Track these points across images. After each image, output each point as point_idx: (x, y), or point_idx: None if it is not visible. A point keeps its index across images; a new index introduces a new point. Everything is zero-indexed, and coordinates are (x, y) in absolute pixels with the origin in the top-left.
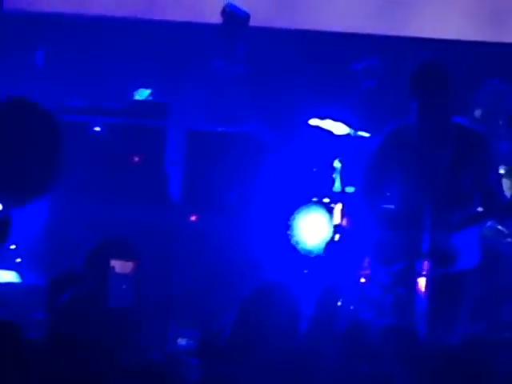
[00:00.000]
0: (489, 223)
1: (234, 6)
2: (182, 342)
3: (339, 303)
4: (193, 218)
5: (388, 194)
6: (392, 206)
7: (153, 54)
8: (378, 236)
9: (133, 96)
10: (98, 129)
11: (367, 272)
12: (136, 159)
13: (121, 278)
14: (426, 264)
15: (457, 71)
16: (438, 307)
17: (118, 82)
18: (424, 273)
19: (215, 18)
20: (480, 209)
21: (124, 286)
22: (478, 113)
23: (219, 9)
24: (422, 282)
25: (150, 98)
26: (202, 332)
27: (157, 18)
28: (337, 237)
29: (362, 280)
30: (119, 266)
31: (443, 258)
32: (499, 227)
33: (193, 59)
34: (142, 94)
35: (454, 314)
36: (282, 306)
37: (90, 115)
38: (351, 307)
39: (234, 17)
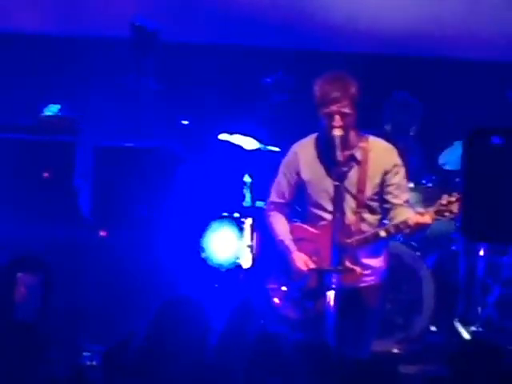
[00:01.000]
0: (397, 237)
1: (144, 20)
2: (87, 355)
3: (251, 318)
4: (102, 233)
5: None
6: None
7: (62, 69)
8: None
9: (42, 112)
10: None
11: (276, 286)
12: (45, 175)
13: (28, 292)
14: (334, 278)
15: (365, 84)
16: (346, 321)
17: (27, 98)
18: (333, 286)
19: (125, 32)
20: (387, 222)
21: (31, 300)
22: (388, 126)
23: (128, 23)
24: (330, 295)
25: (60, 114)
26: (107, 346)
27: (66, 32)
28: (247, 251)
29: (275, 298)
30: (26, 279)
31: (350, 271)
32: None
33: (102, 74)
34: (52, 109)
35: (362, 328)
36: (191, 320)
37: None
38: (262, 322)
39: (143, 31)
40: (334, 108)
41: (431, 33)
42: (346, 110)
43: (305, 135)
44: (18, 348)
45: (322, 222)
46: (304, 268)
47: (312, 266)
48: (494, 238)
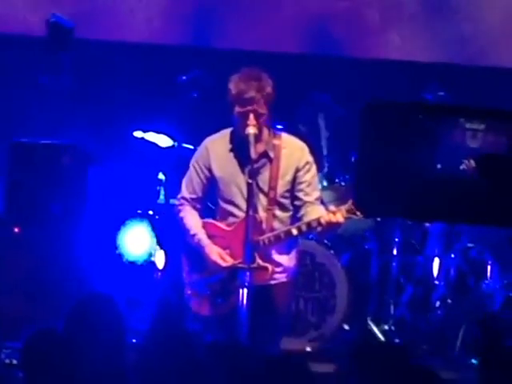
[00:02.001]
0: (311, 235)
1: (59, 17)
2: (6, 352)
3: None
4: (16, 230)
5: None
6: None
7: None
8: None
9: None
10: None
11: (188, 283)
12: None
13: None
14: (246, 275)
15: (280, 85)
16: (257, 318)
17: None
18: (246, 284)
19: (40, 30)
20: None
21: None
22: (303, 127)
23: (44, 21)
24: (242, 293)
25: None
26: (25, 343)
27: None
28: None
29: (187, 294)
30: None
31: (263, 269)
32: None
33: (18, 72)
34: None
35: (272, 325)
36: (105, 318)
37: None
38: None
39: (59, 28)
40: (248, 107)
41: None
42: (260, 110)
43: (218, 132)
44: None
45: (234, 219)
46: (220, 261)
47: (228, 260)
48: (387, 213)
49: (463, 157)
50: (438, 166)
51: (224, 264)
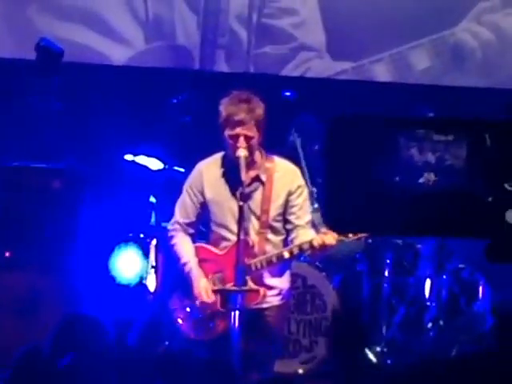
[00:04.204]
0: (302, 257)
1: (49, 41)
2: None
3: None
4: (7, 254)
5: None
6: None
7: None
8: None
9: None
10: None
11: (179, 306)
12: None
13: None
14: (237, 298)
15: (272, 105)
16: (250, 341)
17: None
18: (237, 307)
19: (29, 53)
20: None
21: None
22: (292, 149)
23: (33, 44)
24: (234, 316)
25: None
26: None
27: None
28: (152, 272)
29: (178, 318)
30: None
31: (254, 292)
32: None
33: (6, 95)
34: None
35: (265, 348)
36: (90, 338)
37: None
38: (166, 343)
39: (48, 52)
40: (238, 130)
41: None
42: (251, 133)
43: (210, 155)
44: None
45: (226, 243)
46: (205, 299)
47: (212, 297)
48: (356, 229)
49: (423, 170)
50: (397, 178)
51: (207, 301)
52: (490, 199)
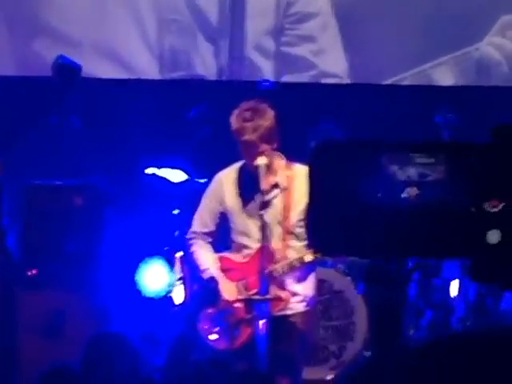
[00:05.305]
0: (327, 263)
1: (66, 58)
2: None
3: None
4: (32, 273)
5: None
6: None
7: None
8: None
9: None
10: None
11: (205, 317)
12: None
13: None
14: (262, 306)
15: (290, 114)
16: (277, 349)
17: None
18: (263, 315)
19: (47, 71)
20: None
21: None
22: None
23: (50, 62)
24: (259, 324)
25: None
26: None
27: None
28: (178, 284)
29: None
30: None
31: (278, 299)
32: (339, 266)
33: (26, 113)
34: None
35: (292, 355)
36: (120, 356)
37: None
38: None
39: (65, 69)
40: (250, 138)
41: None
42: (260, 149)
43: (232, 165)
44: None
45: (248, 251)
46: (231, 299)
47: (239, 296)
48: (342, 251)
49: (406, 185)
50: (379, 195)
51: (232, 298)
52: (471, 219)
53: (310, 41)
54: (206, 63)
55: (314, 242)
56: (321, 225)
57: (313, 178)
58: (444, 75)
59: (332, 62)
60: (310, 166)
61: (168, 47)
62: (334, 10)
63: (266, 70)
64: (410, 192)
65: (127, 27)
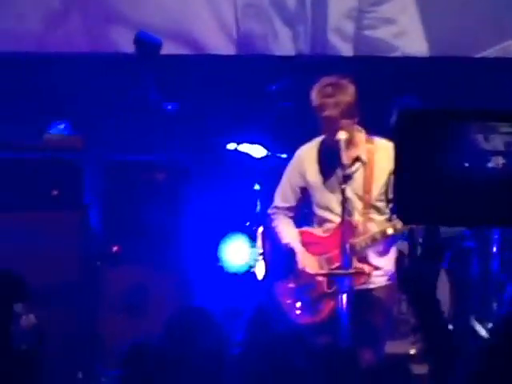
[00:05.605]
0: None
1: (146, 34)
2: (105, 381)
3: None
4: (115, 249)
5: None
6: None
7: (66, 86)
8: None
9: (47, 131)
10: None
11: (286, 290)
12: (55, 193)
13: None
14: (344, 280)
15: (371, 88)
16: (359, 323)
17: (31, 118)
18: (345, 289)
19: (128, 47)
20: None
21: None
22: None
23: (131, 38)
24: (342, 298)
25: (65, 132)
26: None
27: (67, 51)
28: (260, 259)
29: (286, 302)
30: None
31: (360, 273)
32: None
33: (106, 89)
34: (57, 127)
35: (375, 330)
36: (205, 331)
37: (3, 151)
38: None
39: (146, 45)
40: (331, 114)
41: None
42: (341, 124)
43: (312, 139)
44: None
45: (330, 225)
46: (313, 271)
47: (321, 270)
48: (429, 220)
49: (491, 155)
50: (466, 164)
51: (314, 272)
52: None
53: (390, 23)
54: (283, 49)
55: (400, 212)
56: (407, 194)
57: (398, 148)
58: None
59: (413, 44)
60: (394, 136)
61: (245, 33)
62: None
63: (347, 53)
64: (496, 161)
65: (203, 12)
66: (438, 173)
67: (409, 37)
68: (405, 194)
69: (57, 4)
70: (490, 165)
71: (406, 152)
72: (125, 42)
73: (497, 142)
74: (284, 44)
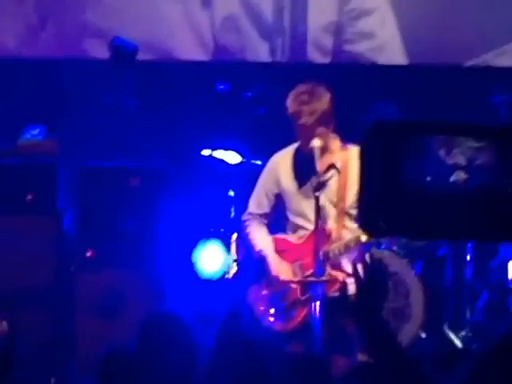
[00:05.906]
0: (384, 245)
1: (122, 40)
2: None
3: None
4: (89, 254)
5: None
6: None
7: (41, 91)
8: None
9: (21, 135)
10: None
11: (259, 297)
12: (29, 197)
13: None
14: (318, 287)
15: (346, 95)
16: (332, 330)
17: (4, 123)
18: (318, 296)
19: (103, 52)
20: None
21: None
22: None
23: (106, 43)
24: (315, 305)
25: (40, 137)
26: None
27: (42, 55)
28: (234, 265)
29: (259, 308)
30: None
31: (334, 281)
32: (394, 248)
33: (82, 95)
34: (32, 132)
35: (349, 337)
36: (176, 338)
37: None
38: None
39: (122, 50)
40: (307, 121)
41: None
42: (317, 131)
43: (287, 146)
44: None
45: (304, 232)
46: (287, 278)
47: (295, 277)
48: (392, 233)
49: (454, 169)
50: (428, 178)
51: (288, 278)
52: None
53: (369, 37)
54: (260, 61)
55: (363, 224)
56: (370, 206)
57: (363, 159)
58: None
59: (392, 57)
60: (361, 148)
61: (222, 45)
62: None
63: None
64: (459, 176)
65: (180, 25)
66: (401, 186)
67: (388, 50)
68: (368, 206)
69: (34, 19)
70: (452, 179)
71: (369, 163)
72: (100, 54)
73: (459, 157)
74: (262, 57)
